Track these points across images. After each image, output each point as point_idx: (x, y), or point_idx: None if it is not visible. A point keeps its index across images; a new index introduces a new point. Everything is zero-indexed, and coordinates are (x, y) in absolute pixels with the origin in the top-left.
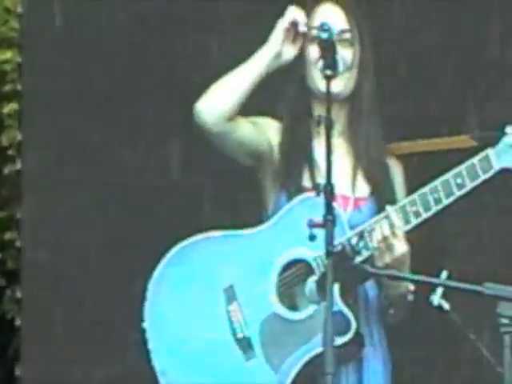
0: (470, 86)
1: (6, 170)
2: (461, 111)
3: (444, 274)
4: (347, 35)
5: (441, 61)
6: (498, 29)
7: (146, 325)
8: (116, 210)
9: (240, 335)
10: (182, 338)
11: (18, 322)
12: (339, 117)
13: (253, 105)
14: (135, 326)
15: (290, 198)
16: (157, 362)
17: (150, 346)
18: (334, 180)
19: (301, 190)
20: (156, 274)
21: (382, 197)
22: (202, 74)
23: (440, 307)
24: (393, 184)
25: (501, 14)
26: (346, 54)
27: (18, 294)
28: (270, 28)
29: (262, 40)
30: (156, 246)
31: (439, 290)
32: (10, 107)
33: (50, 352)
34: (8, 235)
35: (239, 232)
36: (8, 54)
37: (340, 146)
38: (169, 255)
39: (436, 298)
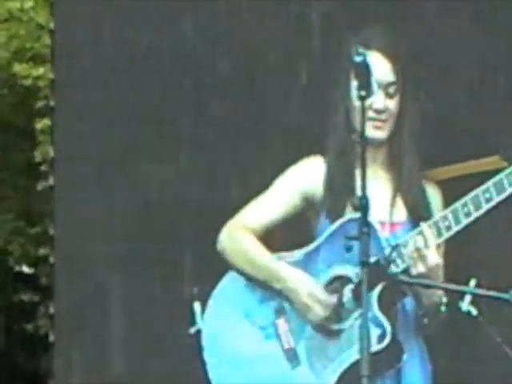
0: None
1: (39, 186)
2: (491, 132)
3: (473, 282)
4: (393, 87)
5: (467, 80)
6: None
7: (202, 336)
8: (144, 223)
9: (286, 346)
10: (233, 348)
11: (51, 338)
12: (380, 150)
13: (303, 143)
14: (169, 336)
15: (333, 221)
16: (210, 369)
17: (206, 357)
18: (372, 206)
19: (343, 216)
20: (218, 287)
21: (419, 221)
22: (226, 88)
23: (468, 313)
24: (430, 209)
25: None
26: (390, 104)
27: (51, 310)
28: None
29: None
30: (187, 262)
31: (467, 297)
32: (43, 123)
33: (82, 368)
34: (42, 251)
35: (288, 254)
36: (41, 70)
37: (380, 175)
38: (231, 272)
39: (465, 305)
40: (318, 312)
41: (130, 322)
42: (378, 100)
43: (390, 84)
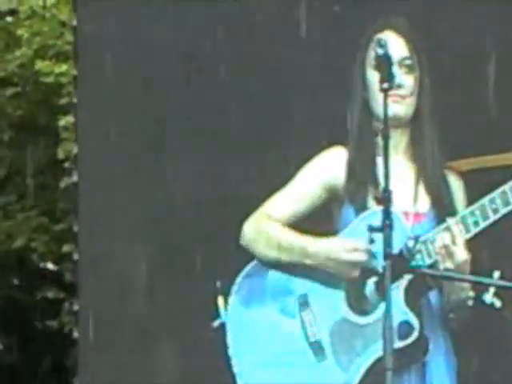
0: None
1: (63, 183)
2: None
3: (496, 274)
4: (408, 62)
5: (498, 74)
6: None
7: (225, 327)
8: (168, 220)
9: (312, 339)
10: (259, 341)
11: (75, 335)
12: (402, 137)
13: (323, 133)
14: (194, 334)
15: (357, 212)
16: (235, 364)
17: (230, 348)
18: (395, 196)
19: (366, 206)
20: (236, 283)
21: (443, 211)
22: (242, 85)
23: (492, 305)
24: (453, 199)
25: None
26: (407, 80)
27: (76, 307)
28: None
29: None
30: (210, 257)
31: (491, 289)
32: (66, 120)
33: (107, 364)
34: (65, 248)
35: None
36: (64, 67)
37: (402, 164)
38: (249, 266)
39: (489, 297)
40: (361, 258)
41: (154, 319)
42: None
43: (404, 59)
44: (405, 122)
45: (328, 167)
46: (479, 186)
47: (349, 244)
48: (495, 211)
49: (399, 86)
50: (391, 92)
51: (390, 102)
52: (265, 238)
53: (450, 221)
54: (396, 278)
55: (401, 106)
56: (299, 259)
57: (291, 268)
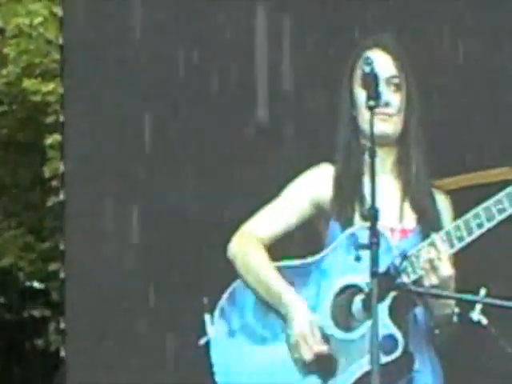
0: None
1: (50, 202)
2: (503, 141)
3: (483, 292)
4: (396, 80)
5: (476, 96)
6: None
7: (210, 345)
8: (155, 237)
9: (297, 355)
10: (243, 358)
11: (62, 353)
12: (389, 155)
13: (314, 151)
14: (183, 348)
15: (343, 228)
16: (219, 380)
17: (214, 367)
18: (382, 212)
19: (352, 224)
20: (224, 296)
21: (429, 227)
22: (231, 99)
23: (479, 322)
24: (440, 216)
25: None
26: (395, 99)
27: (62, 325)
28: None
29: None
30: (203, 266)
31: (478, 307)
32: (53, 138)
33: (94, 383)
34: (52, 266)
35: (298, 261)
36: (50, 86)
37: (389, 181)
38: (234, 284)
39: (475, 314)
40: (304, 355)
41: (142, 337)
42: (382, 94)
43: (391, 77)
44: (392, 140)
45: (315, 183)
46: (467, 203)
47: (309, 339)
48: (479, 226)
49: (386, 105)
50: (379, 110)
51: (378, 121)
52: (249, 267)
53: (435, 236)
54: (383, 296)
55: (388, 125)
56: (273, 303)
57: (265, 302)
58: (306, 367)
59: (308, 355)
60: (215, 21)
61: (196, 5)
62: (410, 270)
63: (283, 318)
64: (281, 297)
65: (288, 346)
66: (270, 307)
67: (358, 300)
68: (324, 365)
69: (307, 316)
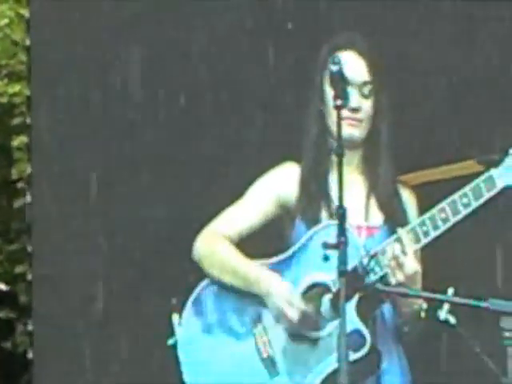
0: (471, 110)
1: (16, 204)
2: (465, 136)
3: (450, 291)
4: (368, 86)
5: (439, 86)
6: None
7: (178, 345)
8: (124, 239)
9: (265, 354)
10: (211, 360)
11: (29, 355)
12: (355, 154)
13: (278, 148)
14: (151, 349)
15: (308, 228)
16: (187, 380)
17: (182, 367)
18: (348, 211)
19: (318, 222)
20: (191, 297)
21: (395, 224)
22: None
23: (446, 321)
24: (406, 213)
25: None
26: (365, 104)
27: (30, 327)
28: None
29: None
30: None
31: (446, 306)
32: (20, 140)
33: None
34: (19, 268)
35: (263, 261)
36: (17, 88)
37: (355, 180)
38: (201, 284)
39: (443, 313)
40: (292, 317)
41: (109, 338)
42: (353, 99)
43: (364, 83)
44: (359, 143)
45: (280, 182)
46: (431, 198)
47: (291, 299)
48: (445, 221)
49: (356, 110)
50: (347, 115)
51: (347, 126)
52: (216, 260)
53: (400, 231)
54: (350, 295)
55: (357, 130)
56: (247, 285)
57: (241, 291)
58: (296, 331)
59: (295, 315)
60: (188, 21)
61: (160, 2)
62: (376, 267)
63: (260, 296)
64: (256, 276)
65: (273, 317)
66: (243, 293)
67: (326, 299)
68: (310, 323)
69: (284, 284)
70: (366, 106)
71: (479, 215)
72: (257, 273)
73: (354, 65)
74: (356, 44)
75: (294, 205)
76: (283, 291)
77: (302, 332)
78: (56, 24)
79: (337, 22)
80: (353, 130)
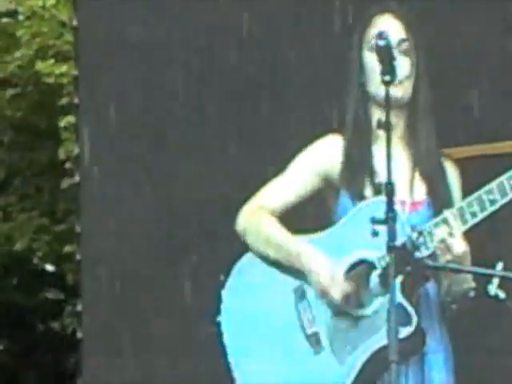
0: None
1: (64, 184)
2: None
3: (500, 265)
4: (405, 44)
5: (495, 64)
6: None
7: (222, 320)
8: (171, 221)
9: (309, 331)
10: (256, 335)
11: (78, 335)
12: (398, 123)
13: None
14: (196, 335)
15: (353, 200)
16: (232, 358)
17: (225, 341)
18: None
19: (362, 196)
20: (230, 278)
21: (439, 199)
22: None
23: (496, 296)
24: (449, 187)
25: None
26: (404, 63)
27: (78, 308)
28: None
29: None
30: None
31: (495, 281)
32: (67, 120)
33: (109, 365)
34: (67, 248)
35: (308, 236)
36: (64, 68)
37: (399, 151)
38: (242, 260)
39: (493, 288)
40: (334, 295)
41: (157, 319)
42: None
43: (401, 41)
44: (401, 105)
45: (323, 155)
46: (475, 174)
47: (335, 277)
48: (492, 202)
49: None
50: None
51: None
52: (259, 234)
53: (447, 213)
54: (399, 271)
55: (397, 89)
56: (291, 261)
57: (284, 267)
58: (339, 309)
59: (337, 294)
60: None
61: None
62: (423, 246)
63: (302, 273)
64: (298, 252)
65: (315, 295)
66: (286, 269)
67: (374, 275)
68: (353, 301)
69: (327, 261)
70: (406, 64)
71: None
72: (299, 248)
73: (389, 25)
74: (391, 8)
75: (338, 177)
76: (325, 268)
77: (346, 309)
78: (103, 4)
79: None
80: (393, 90)
